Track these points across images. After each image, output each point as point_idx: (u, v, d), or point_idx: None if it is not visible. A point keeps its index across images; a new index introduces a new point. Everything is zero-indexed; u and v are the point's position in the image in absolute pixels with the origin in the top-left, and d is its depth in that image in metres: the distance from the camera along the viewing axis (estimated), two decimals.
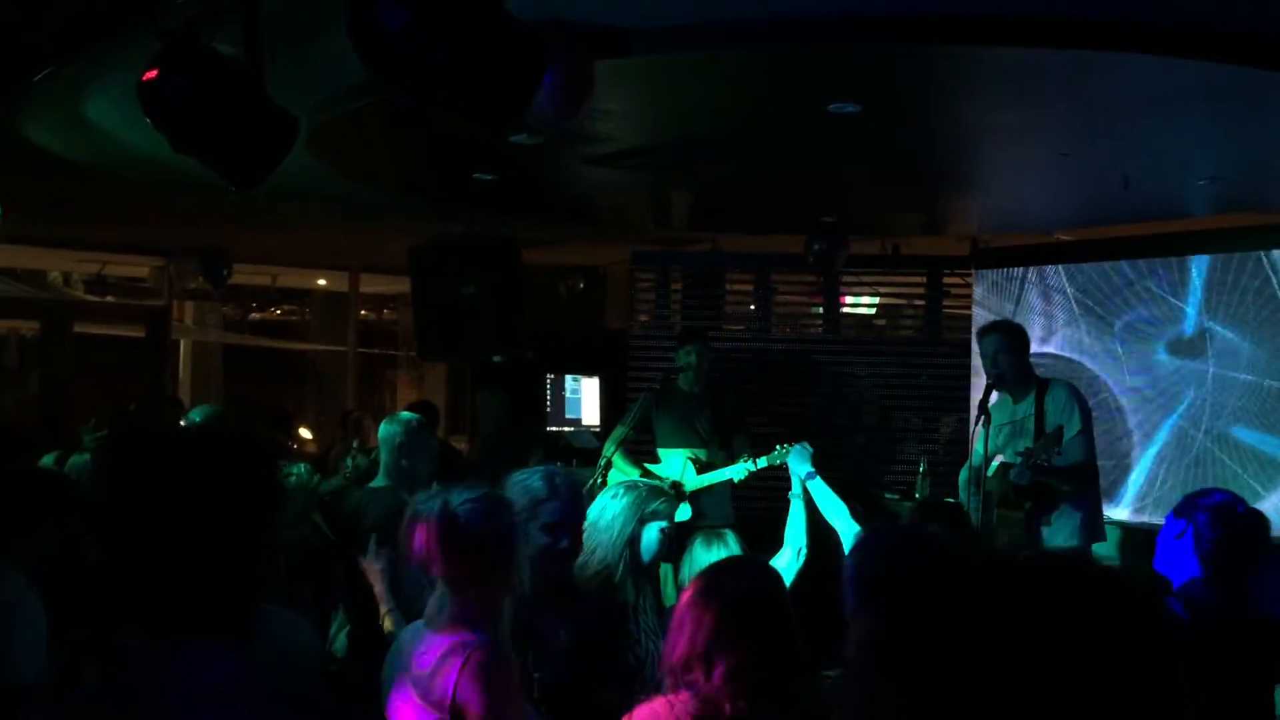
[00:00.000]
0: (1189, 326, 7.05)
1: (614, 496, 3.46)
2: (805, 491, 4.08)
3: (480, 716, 2.38)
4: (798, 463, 4.20)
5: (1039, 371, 5.68)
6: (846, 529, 3.83)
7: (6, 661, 2.99)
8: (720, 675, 2.25)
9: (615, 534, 3.35)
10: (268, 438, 6.41)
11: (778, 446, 5.99)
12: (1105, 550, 5.45)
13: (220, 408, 6.02)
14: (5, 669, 2.97)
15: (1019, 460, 5.09)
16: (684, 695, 2.28)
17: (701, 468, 6.20)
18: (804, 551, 3.88)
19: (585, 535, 3.30)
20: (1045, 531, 5.22)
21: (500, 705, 2.40)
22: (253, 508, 1.44)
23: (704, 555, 3.82)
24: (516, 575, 2.63)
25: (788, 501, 4.07)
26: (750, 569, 2.61)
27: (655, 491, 3.54)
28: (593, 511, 3.40)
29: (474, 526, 2.53)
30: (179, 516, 1.38)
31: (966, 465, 5.53)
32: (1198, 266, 7.05)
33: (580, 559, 3.28)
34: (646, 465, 6.31)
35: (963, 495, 5.49)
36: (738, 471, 6.01)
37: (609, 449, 6.13)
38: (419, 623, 2.62)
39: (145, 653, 1.38)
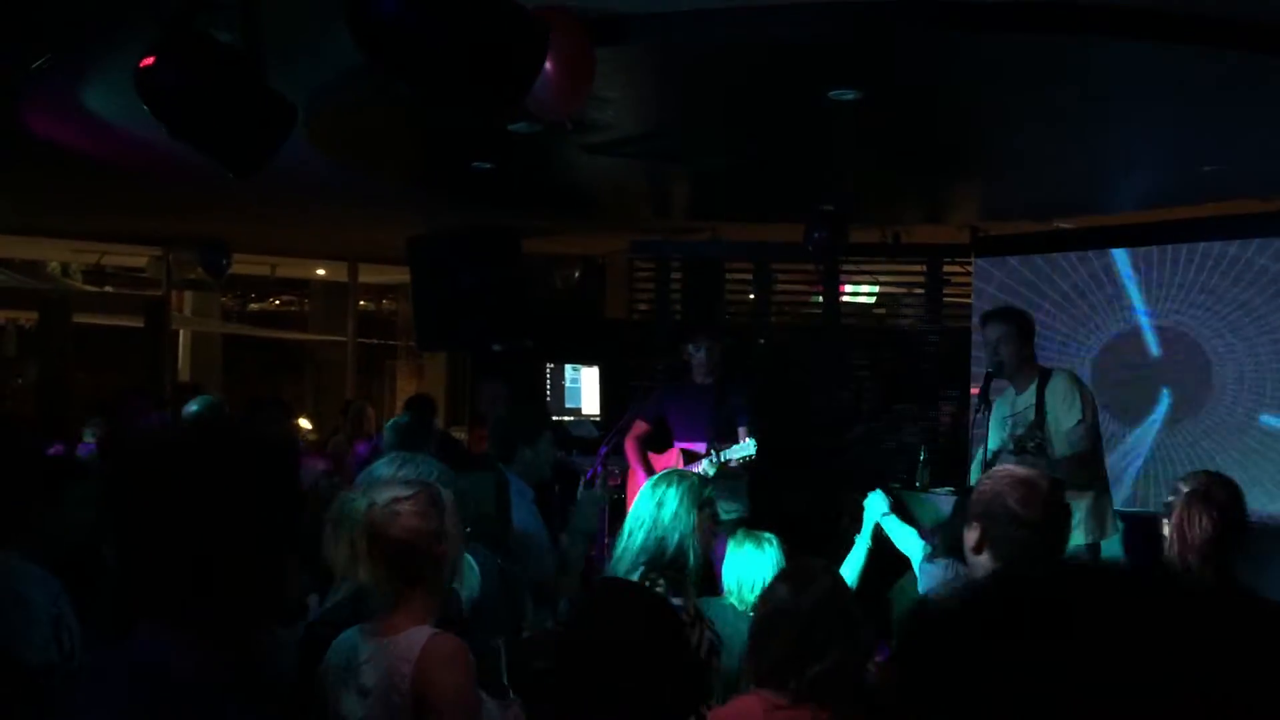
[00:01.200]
0: None
1: (668, 486, 3.46)
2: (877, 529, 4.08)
3: (445, 701, 2.35)
4: (875, 505, 4.16)
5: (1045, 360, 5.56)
6: (916, 551, 3.85)
7: (11, 645, 2.99)
8: (810, 678, 2.46)
9: (685, 524, 3.37)
10: (291, 440, 6.43)
11: (748, 440, 6.06)
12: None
13: (217, 399, 6.01)
14: (10, 652, 2.97)
15: (1021, 450, 5.02)
16: (772, 695, 2.48)
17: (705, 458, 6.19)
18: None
19: (648, 528, 3.34)
20: None
21: (463, 687, 2.38)
22: (274, 509, 1.46)
23: (755, 554, 3.76)
24: (449, 572, 2.57)
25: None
26: (828, 576, 2.70)
27: (701, 481, 3.57)
28: (646, 505, 3.42)
29: (404, 526, 2.47)
30: (201, 514, 1.39)
31: (978, 458, 5.39)
32: None
33: (649, 551, 3.31)
34: (647, 457, 6.32)
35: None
36: (704, 467, 6.01)
37: (630, 444, 6.27)
38: (351, 631, 2.51)
39: (139, 637, 1.40)
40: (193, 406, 5.66)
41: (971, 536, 2.59)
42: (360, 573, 2.46)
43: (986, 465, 5.20)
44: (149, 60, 3.13)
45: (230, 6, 3.21)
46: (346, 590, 2.81)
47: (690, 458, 6.18)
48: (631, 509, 3.55)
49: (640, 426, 6.38)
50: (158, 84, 3.13)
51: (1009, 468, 2.81)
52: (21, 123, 6.05)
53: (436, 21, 2.49)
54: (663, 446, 6.42)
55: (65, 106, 5.73)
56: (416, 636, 2.40)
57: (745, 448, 6.01)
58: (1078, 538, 4.99)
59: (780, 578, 2.68)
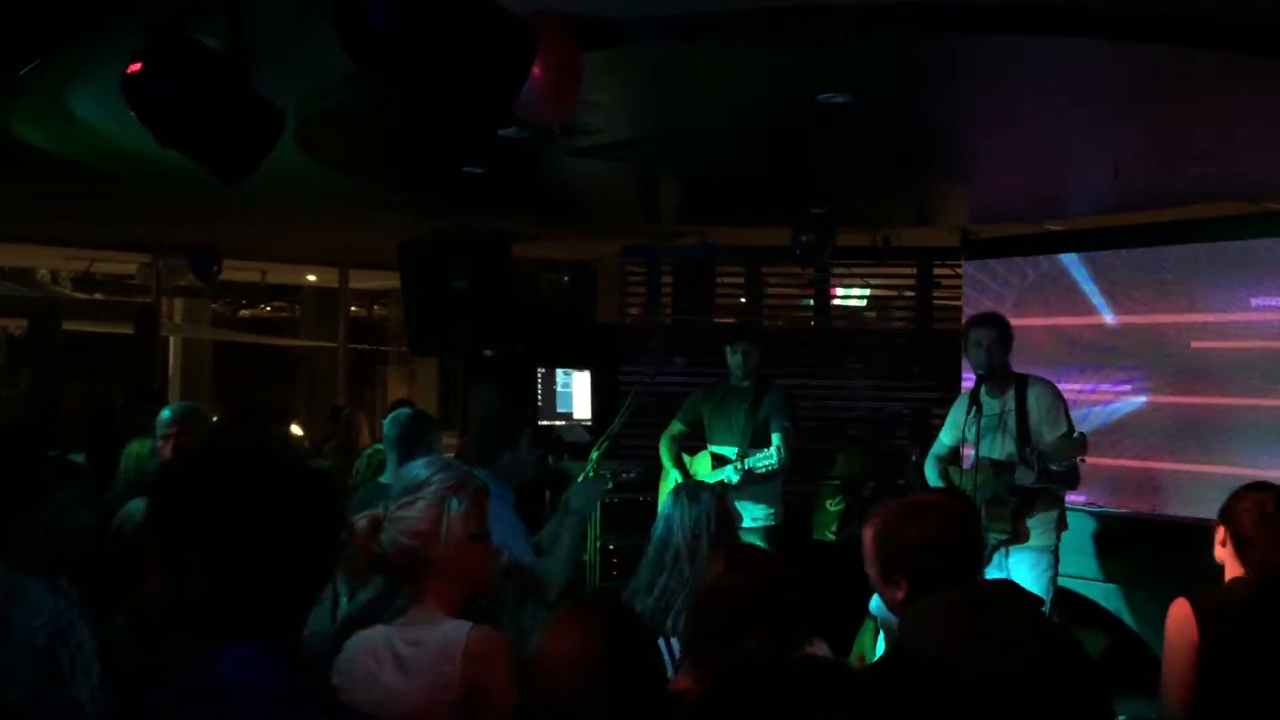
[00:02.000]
0: None
1: (675, 499, 3.45)
2: None
3: (496, 692, 2.38)
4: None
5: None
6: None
7: None
8: (732, 660, 2.32)
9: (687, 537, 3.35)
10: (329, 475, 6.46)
11: (772, 448, 6.02)
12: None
13: (191, 405, 5.90)
14: None
15: (1020, 460, 5.16)
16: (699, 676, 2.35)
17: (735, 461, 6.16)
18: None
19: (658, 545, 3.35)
20: (1031, 526, 5.28)
21: (511, 678, 2.39)
22: (319, 535, 1.55)
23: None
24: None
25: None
26: (767, 560, 2.63)
27: (711, 489, 3.55)
28: (661, 519, 3.42)
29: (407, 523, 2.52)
30: (254, 547, 1.48)
31: (931, 454, 5.67)
32: None
33: (680, 573, 3.28)
34: (682, 459, 6.33)
35: (933, 483, 5.52)
36: (729, 474, 5.99)
37: (664, 444, 6.33)
38: (375, 630, 2.54)
39: (185, 652, 1.47)
40: (166, 414, 5.57)
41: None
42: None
43: (980, 467, 5.27)
44: (136, 66, 3.12)
45: (218, 12, 3.21)
46: (375, 587, 2.83)
47: (720, 462, 6.18)
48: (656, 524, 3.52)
49: (676, 428, 6.38)
50: (145, 90, 3.12)
51: (911, 499, 2.73)
52: (9, 129, 6.04)
53: (424, 27, 2.49)
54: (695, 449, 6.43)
55: (54, 112, 5.71)
56: (454, 633, 2.43)
57: (768, 456, 5.94)
58: (1049, 538, 5.30)
59: (718, 557, 2.55)
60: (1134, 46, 4.15)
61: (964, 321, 8.46)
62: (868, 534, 2.98)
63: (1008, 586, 2.81)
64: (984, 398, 5.38)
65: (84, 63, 4.85)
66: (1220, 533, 3.05)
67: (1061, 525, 5.39)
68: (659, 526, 3.42)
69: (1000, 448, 5.31)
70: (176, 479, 1.57)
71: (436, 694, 2.41)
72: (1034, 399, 5.32)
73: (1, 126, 6.01)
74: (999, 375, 5.38)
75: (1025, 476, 5.14)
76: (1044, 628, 2.53)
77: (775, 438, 6.04)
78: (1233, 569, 3.01)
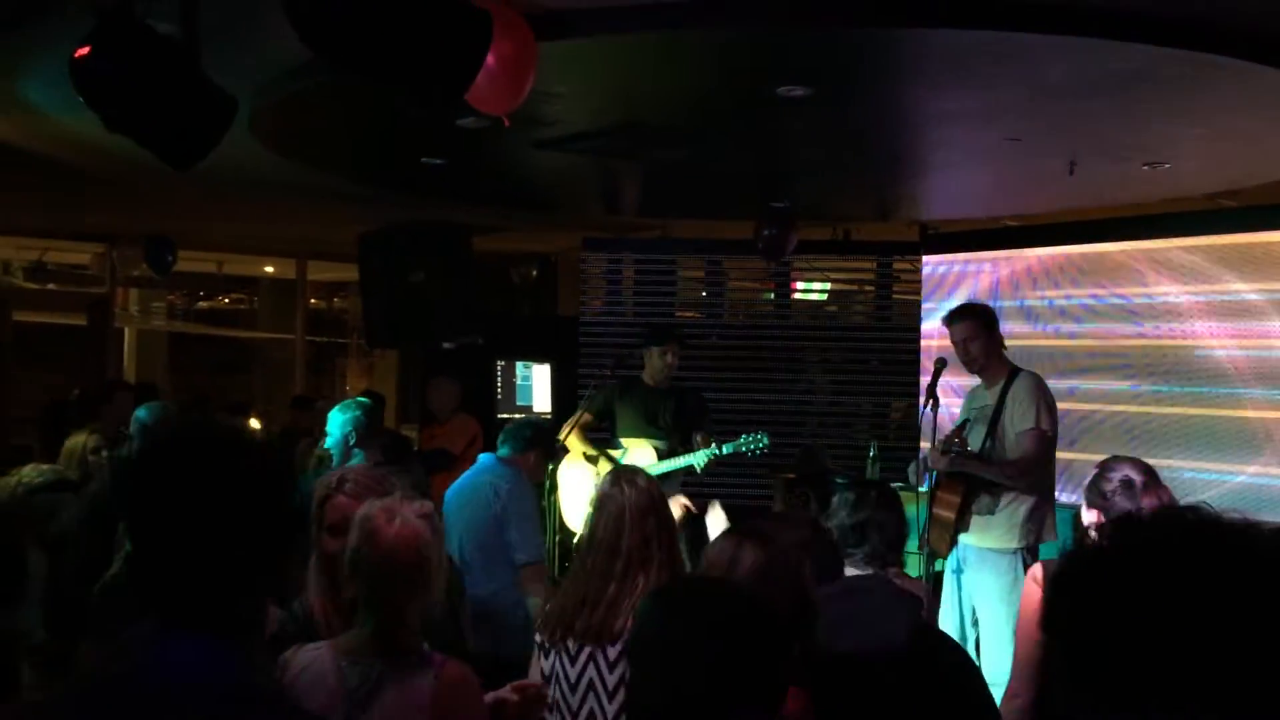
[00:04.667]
0: None
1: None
2: None
3: None
4: None
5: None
6: None
7: None
8: None
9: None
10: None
11: (743, 436, 6.06)
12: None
13: (164, 405, 5.87)
14: None
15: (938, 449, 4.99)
16: None
17: (661, 457, 6.18)
18: None
19: None
20: (978, 524, 4.98)
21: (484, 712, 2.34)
22: (279, 521, 1.53)
23: None
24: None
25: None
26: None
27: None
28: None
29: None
30: (206, 521, 1.45)
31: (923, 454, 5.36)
32: None
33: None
34: (608, 451, 6.29)
35: (912, 481, 5.46)
36: (699, 458, 6.01)
37: (564, 431, 6.20)
38: (318, 652, 2.37)
39: (145, 641, 1.44)
40: (141, 413, 5.52)
41: None
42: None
43: (922, 466, 5.21)
44: (84, 50, 3.06)
45: None
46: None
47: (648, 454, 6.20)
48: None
49: (585, 418, 6.36)
50: (93, 74, 3.06)
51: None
52: None
53: (377, 11, 2.46)
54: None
55: (4, 99, 5.61)
56: (420, 675, 2.30)
57: (758, 440, 6.05)
58: (1010, 541, 4.94)
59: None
60: (1091, 41, 4.18)
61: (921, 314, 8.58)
62: None
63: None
64: (980, 390, 5.20)
65: (33, 47, 4.76)
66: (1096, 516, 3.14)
67: (1040, 530, 4.98)
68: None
69: (977, 441, 5.08)
70: (145, 460, 1.55)
71: None
72: (1013, 393, 5.03)
73: None
74: (986, 369, 5.13)
75: (938, 463, 4.97)
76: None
77: (699, 437, 6.09)
78: None
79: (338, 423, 5.32)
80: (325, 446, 5.71)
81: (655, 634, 1.84)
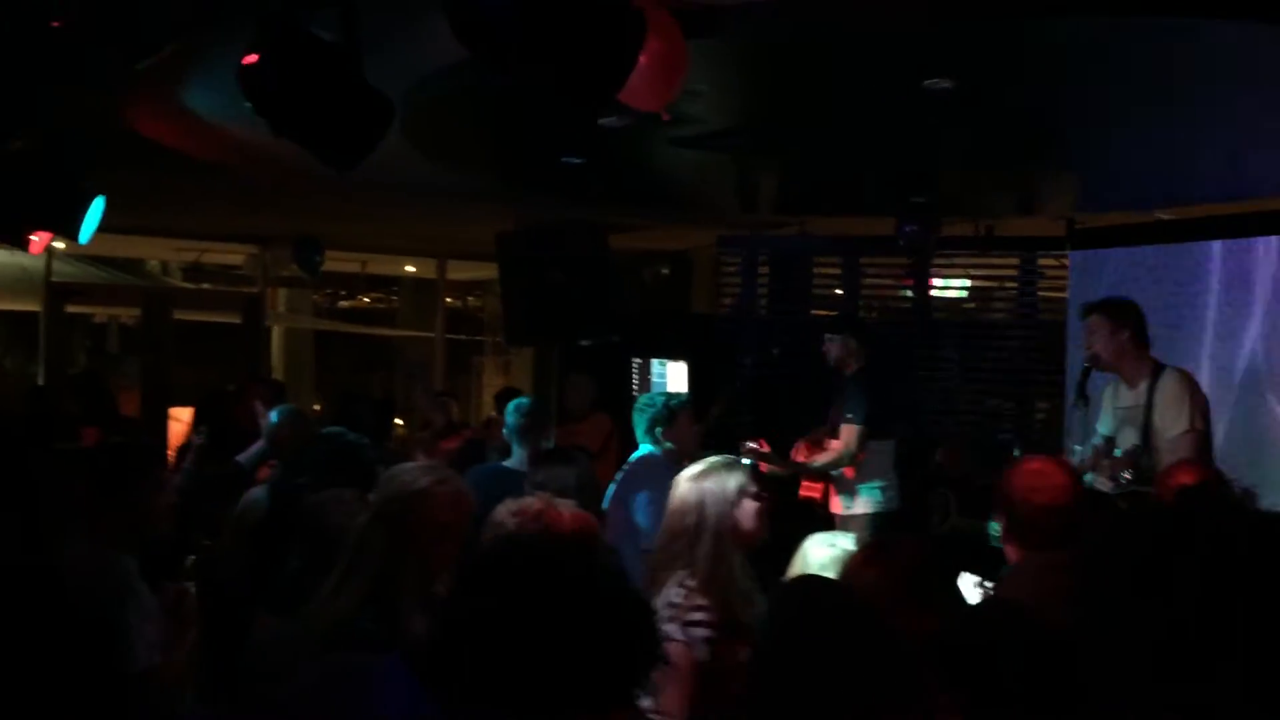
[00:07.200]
0: None
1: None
2: None
3: None
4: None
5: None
6: None
7: (121, 650, 2.94)
8: None
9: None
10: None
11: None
12: None
13: (296, 410, 6.00)
14: (121, 658, 2.92)
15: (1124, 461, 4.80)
16: None
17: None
18: None
19: None
20: None
21: None
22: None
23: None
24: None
25: None
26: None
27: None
28: None
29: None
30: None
31: (1076, 455, 5.15)
32: None
33: None
34: None
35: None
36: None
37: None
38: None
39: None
40: (273, 416, 5.69)
41: None
42: None
43: (1084, 464, 5.05)
44: (252, 58, 3.19)
45: (329, 3, 3.26)
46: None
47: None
48: None
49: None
50: (260, 81, 3.18)
51: None
52: (125, 122, 6.21)
53: (535, 11, 2.50)
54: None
55: (167, 105, 5.86)
56: None
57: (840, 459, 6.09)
58: None
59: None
60: (1256, 25, 4.00)
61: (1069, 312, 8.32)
62: None
63: None
64: (1122, 389, 5.00)
65: (199, 55, 4.97)
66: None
67: None
68: None
69: (1128, 444, 4.87)
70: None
71: None
72: (1159, 393, 4.83)
73: (118, 120, 6.18)
74: (1115, 363, 4.96)
75: (1103, 485, 4.73)
76: None
77: (844, 428, 6.17)
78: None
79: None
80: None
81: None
